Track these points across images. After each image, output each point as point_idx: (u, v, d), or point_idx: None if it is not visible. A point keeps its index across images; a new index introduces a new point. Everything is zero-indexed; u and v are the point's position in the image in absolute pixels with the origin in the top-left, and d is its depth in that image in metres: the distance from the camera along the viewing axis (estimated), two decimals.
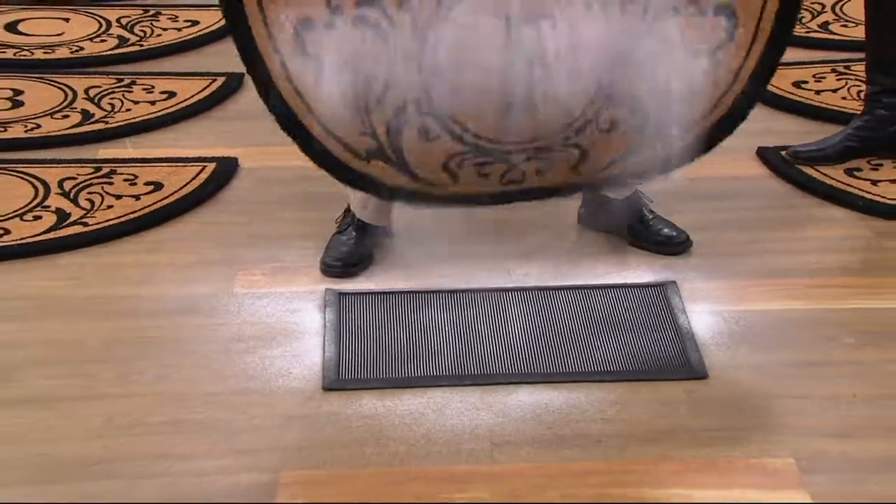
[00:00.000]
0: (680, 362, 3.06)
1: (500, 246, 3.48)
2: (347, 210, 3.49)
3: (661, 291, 3.30)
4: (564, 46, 3.06)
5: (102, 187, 3.75)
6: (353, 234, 3.44)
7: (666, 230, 3.49)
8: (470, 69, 3.04)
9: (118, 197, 3.70)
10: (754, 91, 3.21)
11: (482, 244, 3.47)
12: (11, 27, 4.78)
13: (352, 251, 3.43)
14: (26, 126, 4.11)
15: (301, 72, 3.01)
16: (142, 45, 4.63)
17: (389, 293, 3.32)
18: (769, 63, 3.16)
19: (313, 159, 3.10)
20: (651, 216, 3.51)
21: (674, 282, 3.33)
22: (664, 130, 3.19)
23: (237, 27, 2.98)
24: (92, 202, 3.68)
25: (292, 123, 3.04)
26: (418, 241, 3.45)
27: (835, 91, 4.26)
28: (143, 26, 4.77)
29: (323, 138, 3.08)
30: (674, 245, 3.47)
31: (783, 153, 3.88)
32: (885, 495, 2.68)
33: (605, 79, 3.11)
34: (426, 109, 3.05)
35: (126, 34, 4.71)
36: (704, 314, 3.23)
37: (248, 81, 4.20)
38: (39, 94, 4.30)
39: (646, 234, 3.50)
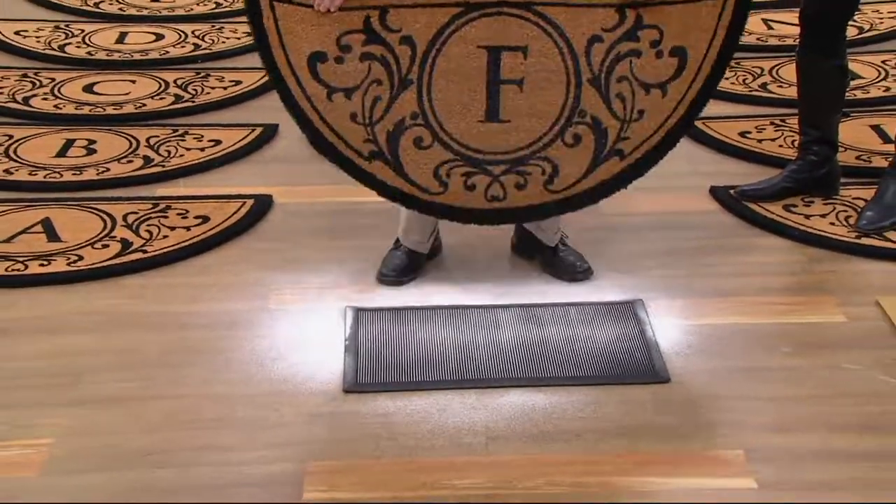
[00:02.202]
0: (646, 368, 3.03)
1: (499, 272, 3.44)
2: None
3: (630, 307, 3.26)
4: (535, 72, 3.05)
5: (159, 220, 3.73)
6: (404, 252, 3.41)
7: (571, 259, 3.42)
8: (457, 89, 3.05)
9: (172, 228, 3.68)
10: (692, 117, 3.23)
11: (482, 272, 3.44)
12: (88, 88, 4.77)
13: (402, 265, 3.39)
14: (98, 170, 4.08)
15: (315, 93, 3.06)
16: (194, 102, 4.61)
17: (400, 309, 3.27)
18: (705, 95, 3.20)
19: (327, 157, 3.17)
20: (564, 249, 3.44)
21: (641, 299, 3.29)
22: (619, 148, 3.17)
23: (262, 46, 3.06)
24: (151, 233, 3.66)
25: (311, 130, 3.13)
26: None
27: (773, 140, 4.24)
28: (195, 86, 4.75)
29: (333, 141, 3.13)
30: (576, 273, 3.39)
31: (731, 191, 3.85)
32: (820, 480, 2.66)
33: (569, 102, 3.09)
34: (421, 122, 3.05)
35: (181, 92, 4.69)
36: (667, 327, 3.19)
37: (283, 131, 4.25)
38: (109, 143, 4.28)
39: (555, 263, 3.41)
